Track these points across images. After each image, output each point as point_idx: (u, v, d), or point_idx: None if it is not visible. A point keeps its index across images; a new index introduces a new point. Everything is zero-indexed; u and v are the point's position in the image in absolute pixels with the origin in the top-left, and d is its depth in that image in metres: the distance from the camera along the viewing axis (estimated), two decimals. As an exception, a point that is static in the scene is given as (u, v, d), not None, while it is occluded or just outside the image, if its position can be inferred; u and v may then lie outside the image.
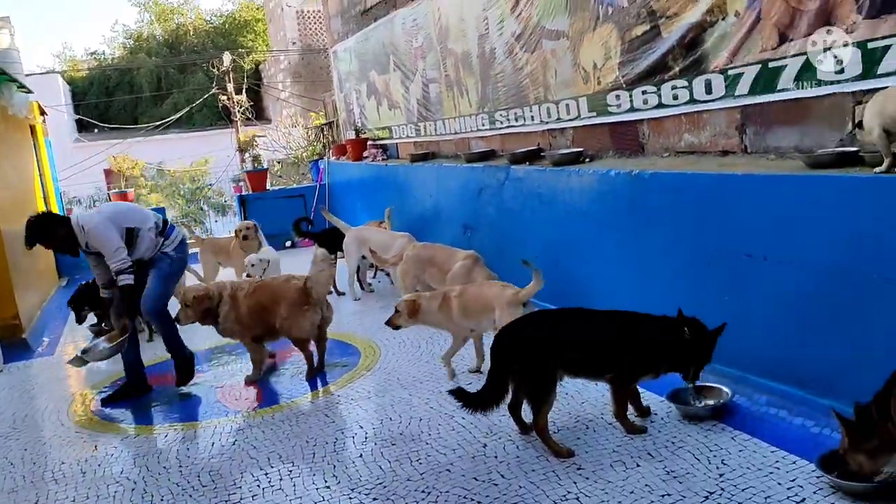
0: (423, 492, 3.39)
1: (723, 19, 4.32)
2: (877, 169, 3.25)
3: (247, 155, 16.31)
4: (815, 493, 2.98)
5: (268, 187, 12.89)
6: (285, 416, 4.55)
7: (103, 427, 4.73)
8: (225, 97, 17.60)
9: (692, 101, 4.68)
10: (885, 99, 3.21)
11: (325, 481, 3.60)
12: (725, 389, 3.89)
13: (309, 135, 18.53)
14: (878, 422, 2.69)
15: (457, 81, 7.97)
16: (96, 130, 31.61)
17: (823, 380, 3.49)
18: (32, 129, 10.15)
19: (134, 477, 3.90)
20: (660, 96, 4.95)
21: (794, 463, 3.23)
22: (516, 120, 6.84)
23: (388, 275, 7.93)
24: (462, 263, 6.03)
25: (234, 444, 4.21)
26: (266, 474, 3.75)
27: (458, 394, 3.74)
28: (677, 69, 4.74)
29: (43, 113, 11.68)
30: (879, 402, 2.69)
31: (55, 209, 11.81)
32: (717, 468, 3.29)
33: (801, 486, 3.04)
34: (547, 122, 6.31)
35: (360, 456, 3.84)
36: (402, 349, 5.61)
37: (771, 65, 4.06)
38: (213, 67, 17.86)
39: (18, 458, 4.33)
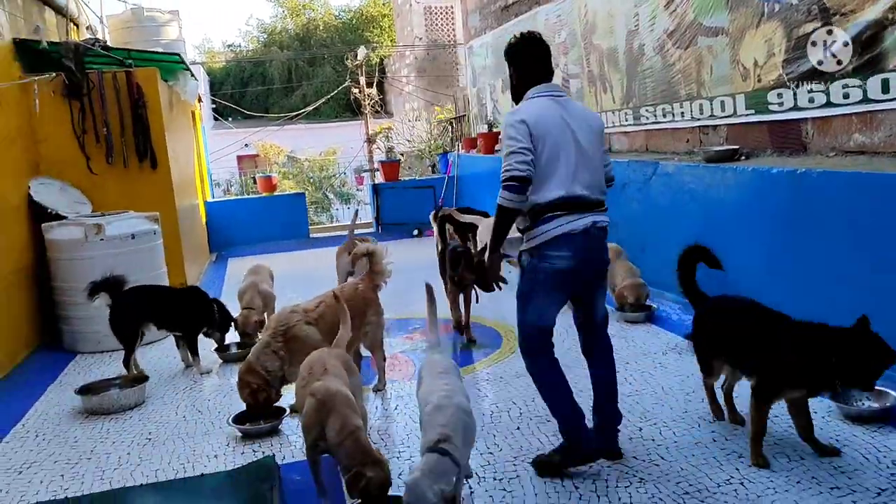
0: (584, 465, 3.54)
1: (907, 16, 4.22)
2: None
3: (375, 146, 16.90)
4: None
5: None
6: (439, 389, 4.83)
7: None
8: (357, 90, 18.28)
9: (866, 99, 4.58)
10: None
11: (488, 448, 3.82)
12: (893, 392, 3.82)
13: (433, 128, 18.98)
14: None
15: (600, 77, 8.04)
16: (230, 119, 33.51)
17: None
18: (193, 114, 11.00)
19: (309, 430, 4.26)
20: (828, 95, 4.86)
21: (977, 470, 3.17)
22: (664, 116, 6.85)
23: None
24: (605, 255, 6.10)
25: (395, 408, 4.51)
26: (431, 438, 4.01)
27: None
28: (850, 67, 4.66)
29: (199, 100, 12.59)
30: None
31: (208, 191, 12.75)
32: (888, 468, 3.27)
33: None
34: (699, 119, 6.29)
35: (518, 428, 4.05)
36: (544, 335, 5.76)
37: (961, 63, 3.94)
38: (347, 60, 18.65)
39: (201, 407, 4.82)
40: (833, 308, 4.38)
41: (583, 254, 3.41)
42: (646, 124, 7.21)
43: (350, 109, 28.09)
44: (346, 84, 19.68)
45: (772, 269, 4.88)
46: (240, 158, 30.11)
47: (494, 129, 11.56)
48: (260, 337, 4.79)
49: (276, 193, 12.94)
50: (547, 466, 3.48)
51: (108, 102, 7.05)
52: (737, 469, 3.37)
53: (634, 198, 6.66)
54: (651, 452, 3.62)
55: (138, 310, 5.44)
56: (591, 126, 3.51)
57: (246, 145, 29.43)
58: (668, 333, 5.46)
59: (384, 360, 4.95)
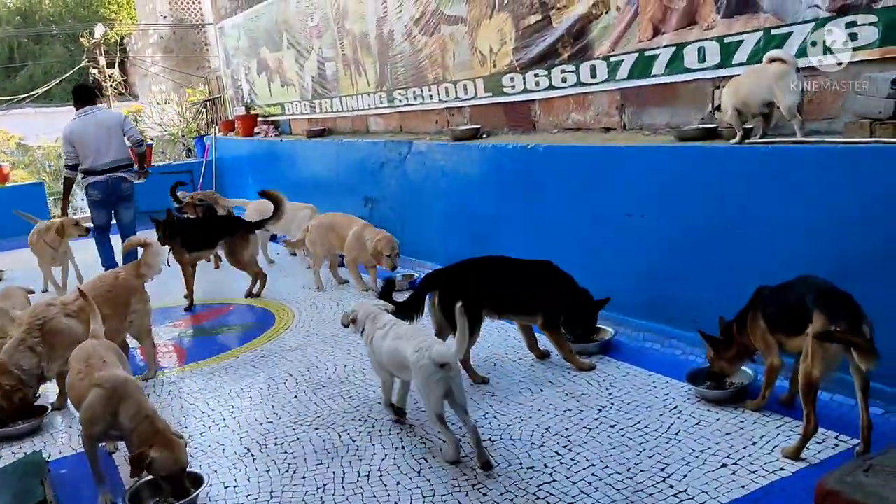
0: (359, 420, 3.84)
1: (606, 12, 5.00)
2: (731, 141, 4.02)
3: (121, 131, 15.76)
4: (684, 401, 3.70)
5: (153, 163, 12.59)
6: (213, 371, 4.84)
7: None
8: (96, 70, 16.81)
9: (579, 83, 5.35)
10: (738, 84, 3.97)
11: (268, 417, 3.97)
12: (609, 329, 4.58)
13: (184, 111, 18.07)
14: (736, 335, 3.44)
15: (354, 61, 8.33)
16: (-65, 102, 29.01)
17: (689, 317, 4.22)
18: None
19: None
20: (550, 79, 5.59)
21: (668, 382, 3.94)
22: (415, 98, 7.32)
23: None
24: (355, 230, 6.44)
25: (169, 393, 4.47)
26: (209, 416, 4.07)
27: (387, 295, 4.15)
28: (566, 55, 5.40)
29: None
30: (739, 320, 3.43)
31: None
32: (607, 389, 3.96)
33: (674, 398, 3.75)
34: (445, 101, 6.84)
35: (296, 396, 4.23)
36: (314, 310, 5.97)
37: (647, 53, 4.77)
38: (83, 39, 16.99)
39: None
40: (558, 251, 5.08)
41: (105, 191, 6.80)
42: (399, 106, 7.64)
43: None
44: (84, 64, 18.02)
45: (511, 226, 5.53)
46: (-48, 148, 26.23)
47: (252, 111, 11.42)
48: (11, 333, 4.42)
49: (8, 185, 11.61)
50: None
51: None
52: (490, 405, 3.87)
53: (392, 175, 7.07)
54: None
55: None
56: (108, 125, 6.78)
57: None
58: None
59: (154, 347, 4.85)
